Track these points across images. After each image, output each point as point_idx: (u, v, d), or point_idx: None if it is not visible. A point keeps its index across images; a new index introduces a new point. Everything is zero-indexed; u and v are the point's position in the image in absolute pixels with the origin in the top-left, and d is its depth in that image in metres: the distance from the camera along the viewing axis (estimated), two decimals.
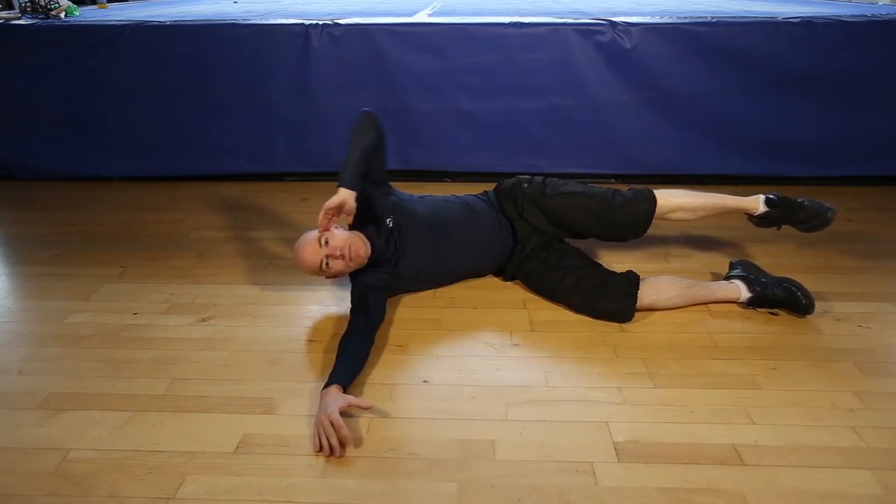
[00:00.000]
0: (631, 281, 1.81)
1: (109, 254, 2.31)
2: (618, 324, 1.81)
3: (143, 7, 4.23)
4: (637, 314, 1.81)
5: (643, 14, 2.99)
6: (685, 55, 2.74)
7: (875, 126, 2.80)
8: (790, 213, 1.94)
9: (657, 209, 1.88)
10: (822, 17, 2.72)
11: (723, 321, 1.82)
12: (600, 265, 1.92)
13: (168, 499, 1.22)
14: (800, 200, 1.94)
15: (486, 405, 1.48)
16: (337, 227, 1.75)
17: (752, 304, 1.86)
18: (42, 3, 3.22)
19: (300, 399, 1.51)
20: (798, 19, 2.70)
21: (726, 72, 2.75)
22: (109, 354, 1.69)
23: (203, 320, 1.86)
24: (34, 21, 3.04)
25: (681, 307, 1.86)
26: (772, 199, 1.95)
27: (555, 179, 2.00)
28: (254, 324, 1.84)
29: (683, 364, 1.63)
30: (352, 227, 1.83)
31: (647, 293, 1.81)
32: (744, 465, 1.29)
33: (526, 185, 1.98)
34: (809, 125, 2.82)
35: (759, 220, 1.99)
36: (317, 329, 1.82)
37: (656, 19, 2.77)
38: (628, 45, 2.73)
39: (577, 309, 1.86)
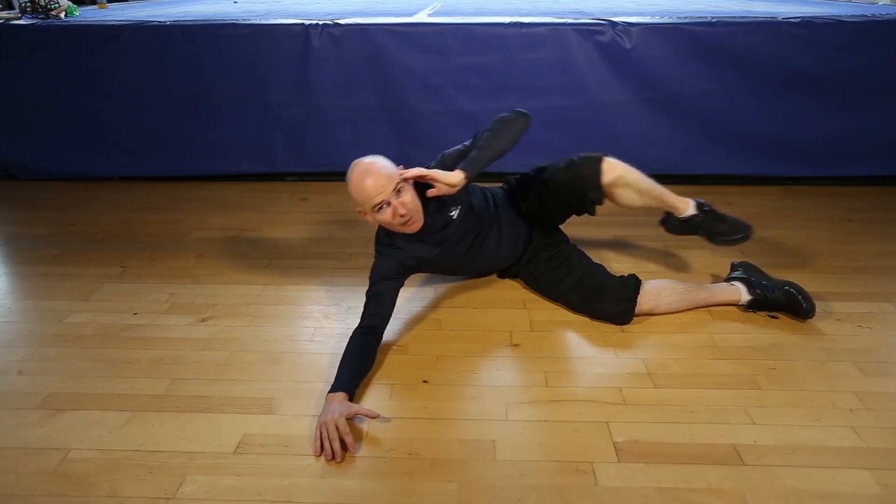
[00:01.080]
0: (632, 284, 1.81)
1: (109, 254, 2.31)
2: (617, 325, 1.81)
3: (143, 7, 4.23)
4: (637, 316, 1.81)
5: (643, 14, 2.99)
6: (685, 55, 2.74)
7: (875, 126, 2.80)
8: (714, 224, 1.87)
9: (606, 170, 1.75)
10: (822, 17, 2.72)
11: (723, 321, 1.82)
12: (603, 267, 1.91)
13: (168, 499, 1.22)
14: (725, 215, 1.88)
15: (486, 405, 1.48)
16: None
17: (752, 306, 1.85)
18: (42, 3, 3.22)
19: (300, 399, 1.51)
20: (798, 19, 2.70)
21: (726, 72, 2.75)
22: (109, 354, 1.69)
23: (203, 320, 1.86)
24: (34, 21, 3.04)
25: (681, 311, 1.85)
26: (702, 204, 1.89)
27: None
28: (254, 324, 1.84)
29: (683, 364, 1.63)
30: (421, 196, 1.69)
31: (647, 298, 1.80)
32: (744, 465, 1.29)
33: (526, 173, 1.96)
34: (809, 125, 2.82)
35: (680, 224, 1.91)
36: (317, 329, 1.82)
37: (656, 19, 2.77)
38: (628, 45, 2.73)
39: (577, 309, 1.86)
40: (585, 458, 1.31)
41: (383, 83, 2.87)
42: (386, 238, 1.77)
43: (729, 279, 1.94)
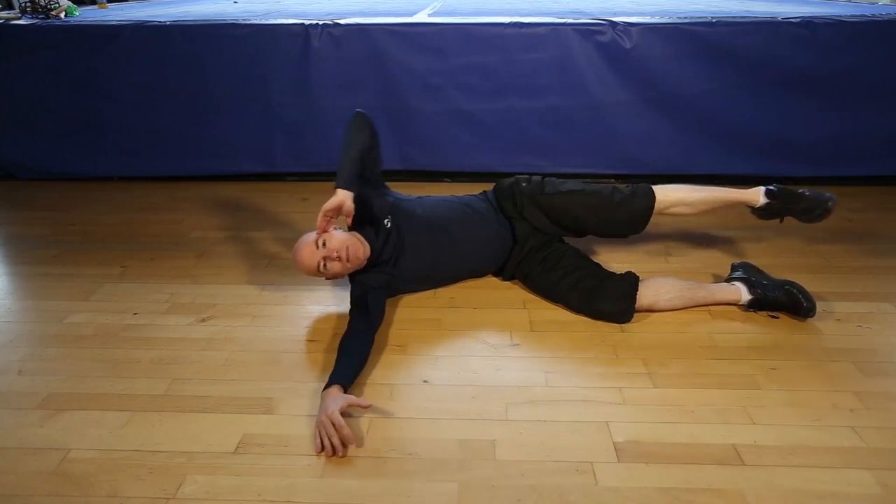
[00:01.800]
0: (630, 282, 1.81)
1: (109, 254, 2.31)
2: (617, 324, 1.81)
3: (143, 7, 4.23)
4: (637, 314, 1.81)
5: (643, 14, 2.99)
6: (685, 55, 2.74)
7: (875, 126, 2.80)
8: (791, 204, 1.94)
9: (656, 204, 1.89)
10: (822, 17, 2.72)
11: (723, 321, 1.82)
12: (600, 265, 1.92)
13: (168, 499, 1.22)
14: (800, 191, 1.94)
15: (486, 405, 1.48)
16: (336, 229, 1.75)
17: (752, 306, 1.85)
18: (42, 3, 3.22)
19: (300, 399, 1.51)
20: (798, 19, 2.70)
21: (726, 72, 2.75)
22: (109, 354, 1.69)
23: (203, 320, 1.86)
24: (34, 21, 3.04)
25: (680, 309, 1.85)
26: (772, 190, 1.95)
27: (553, 179, 2.00)
28: (254, 324, 1.84)
29: (683, 364, 1.63)
30: (350, 229, 1.83)
31: (646, 294, 1.81)
32: (744, 465, 1.29)
33: (525, 185, 1.98)
34: (809, 125, 2.82)
35: (761, 212, 1.99)
36: (317, 329, 1.82)
37: (656, 19, 2.77)
38: (628, 45, 2.73)
39: (576, 309, 1.86)
40: (585, 458, 1.31)
41: (383, 83, 2.87)
42: (356, 275, 1.83)
43: (729, 279, 1.94)
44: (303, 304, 1.95)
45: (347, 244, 1.72)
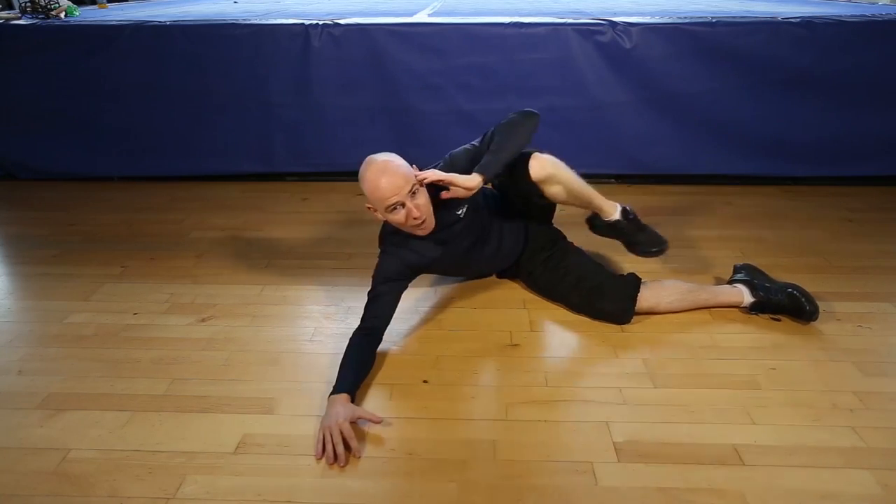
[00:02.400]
0: (632, 283, 1.81)
1: (109, 254, 2.31)
2: (618, 325, 1.81)
3: (143, 7, 4.23)
4: (639, 314, 1.81)
5: (643, 14, 2.99)
6: (685, 55, 2.74)
7: (875, 126, 2.80)
8: (635, 234, 1.86)
9: (537, 164, 1.69)
10: (822, 17, 2.72)
11: (723, 322, 1.82)
12: (602, 266, 1.92)
13: (168, 499, 1.22)
14: (646, 227, 1.88)
15: (486, 405, 1.48)
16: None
17: (754, 309, 1.84)
18: (42, 3, 3.22)
19: (300, 399, 1.51)
20: (798, 19, 2.70)
21: (726, 72, 2.75)
22: (109, 354, 1.69)
23: (203, 320, 1.86)
24: (34, 21, 3.04)
25: (682, 311, 1.85)
26: (627, 211, 1.86)
27: None
28: (254, 324, 1.84)
29: (683, 364, 1.63)
30: (433, 196, 1.67)
31: (648, 296, 1.80)
32: (744, 465, 1.29)
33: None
34: (809, 125, 2.82)
35: (605, 226, 1.87)
36: (317, 329, 1.82)
37: (656, 19, 2.77)
38: (628, 45, 2.73)
39: (577, 308, 1.85)
40: (585, 458, 1.31)
41: (383, 83, 2.87)
42: (392, 236, 1.76)
43: (731, 281, 1.94)
44: (303, 304, 1.95)
45: (428, 213, 1.62)
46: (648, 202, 2.76)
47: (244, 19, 2.94)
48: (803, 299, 1.78)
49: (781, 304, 1.81)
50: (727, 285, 1.92)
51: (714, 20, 2.74)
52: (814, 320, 1.77)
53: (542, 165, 1.68)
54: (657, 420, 1.42)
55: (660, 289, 1.83)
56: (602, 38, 2.73)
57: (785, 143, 2.86)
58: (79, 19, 3.22)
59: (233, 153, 3.02)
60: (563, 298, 1.89)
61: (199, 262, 2.25)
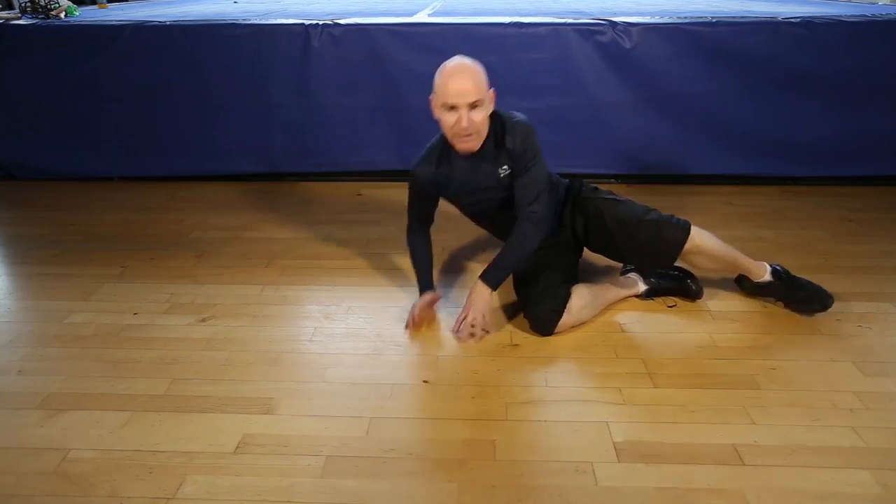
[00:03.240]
0: (562, 299, 1.74)
1: (109, 254, 2.31)
2: (618, 324, 1.81)
3: (143, 7, 4.23)
4: (638, 314, 1.82)
5: (643, 14, 2.99)
6: (685, 55, 2.74)
7: (875, 126, 2.80)
8: (790, 292, 1.84)
9: (688, 241, 1.71)
10: (822, 17, 2.72)
11: (723, 321, 1.82)
12: (566, 268, 1.87)
13: (168, 499, 1.22)
14: (803, 281, 1.84)
15: (486, 405, 1.48)
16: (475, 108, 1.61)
17: (648, 295, 1.92)
18: (42, 3, 3.22)
19: (300, 399, 1.51)
20: (798, 19, 2.70)
21: (726, 72, 2.76)
22: (109, 354, 1.69)
23: (203, 320, 1.86)
24: (34, 21, 3.04)
25: (595, 315, 1.82)
26: (778, 271, 1.85)
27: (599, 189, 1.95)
28: (254, 324, 1.84)
29: (683, 364, 1.63)
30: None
31: (569, 319, 1.74)
32: (744, 465, 1.29)
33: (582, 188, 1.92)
34: (809, 125, 2.82)
35: (758, 288, 1.89)
36: (317, 329, 1.82)
37: (656, 19, 2.77)
38: (628, 45, 2.74)
39: (520, 307, 1.86)
40: (585, 458, 1.31)
41: (383, 83, 2.87)
42: (438, 144, 1.78)
43: (624, 272, 1.97)
44: (303, 304, 1.95)
45: (481, 132, 1.65)
46: (648, 202, 2.75)
47: (244, 19, 2.94)
48: (688, 280, 1.89)
49: (670, 287, 1.90)
50: (623, 277, 1.95)
51: (714, 20, 2.74)
52: (700, 298, 1.89)
53: (694, 238, 1.73)
54: (657, 420, 1.42)
55: (580, 306, 1.76)
56: (602, 38, 2.73)
57: (785, 143, 2.86)
58: (79, 19, 3.22)
59: (233, 153, 3.03)
60: (517, 290, 1.89)
61: (199, 262, 2.25)
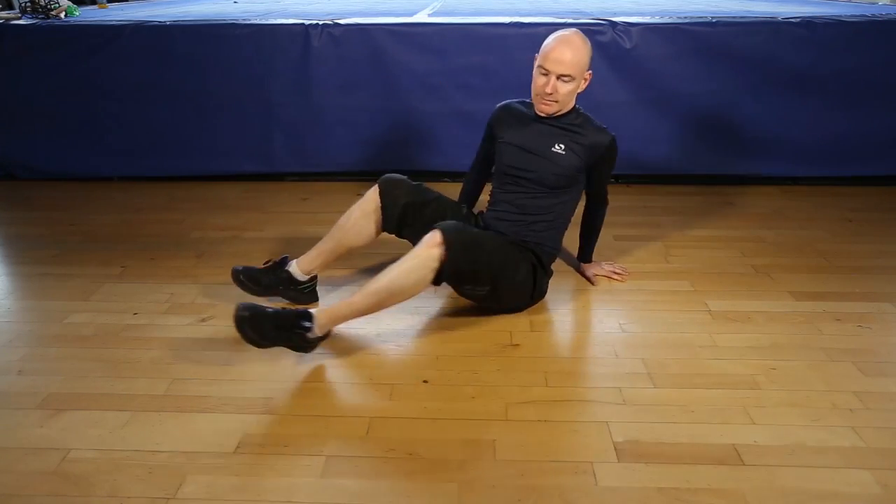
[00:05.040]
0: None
1: (109, 254, 2.31)
2: (618, 324, 1.81)
3: (143, 7, 4.23)
4: (638, 314, 1.83)
5: (643, 14, 2.99)
6: (685, 55, 2.74)
7: (875, 126, 2.80)
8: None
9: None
10: (822, 17, 2.72)
11: (723, 321, 1.82)
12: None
13: (168, 499, 1.22)
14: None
15: (486, 405, 1.48)
16: (564, 79, 1.74)
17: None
18: (42, 3, 3.22)
19: (300, 399, 1.51)
20: (798, 19, 2.70)
21: (726, 72, 2.76)
22: (109, 354, 1.69)
23: (203, 320, 1.86)
24: (34, 21, 3.04)
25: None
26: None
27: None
28: None
29: (683, 364, 1.63)
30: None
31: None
32: (744, 465, 1.29)
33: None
34: (809, 125, 2.82)
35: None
36: None
37: (656, 19, 2.77)
38: (628, 45, 2.74)
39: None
40: (585, 458, 1.31)
41: (383, 83, 2.87)
42: (527, 100, 1.91)
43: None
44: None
45: (563, 102, 1.78)
46: (648, 202, 2.76)
47: (244, 19, 2.94)
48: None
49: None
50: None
51: (714, 20, 2.74)
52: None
53: None
54: (657, 420, 1.42)
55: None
56: (602, 38, 2.73)
57: (785, 143, 2.86)
58: (79, 19, 3.22)
59: (233, 153, 3.02)
60: None
61: (199, 262, 2.25)
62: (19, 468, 1.30)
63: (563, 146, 1.83)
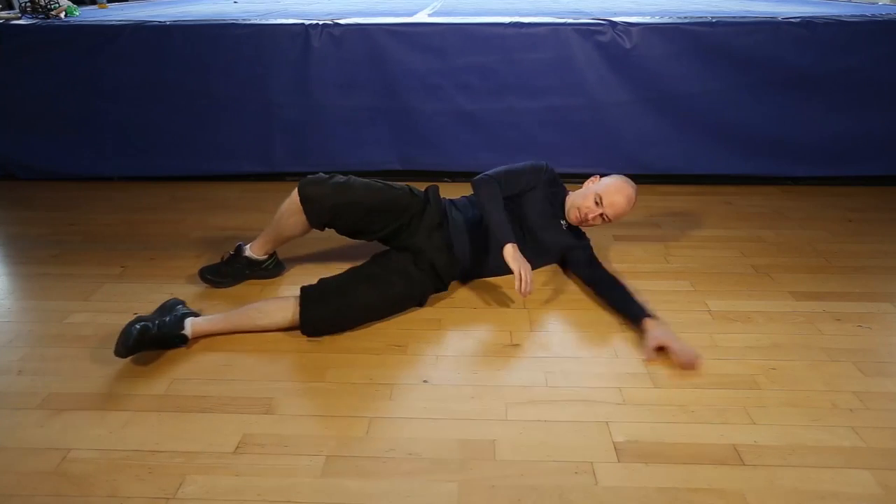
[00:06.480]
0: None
1: (109, 254, 2.31)
2: (618, 324, 1.81)
3: (143, 7, 4.23)
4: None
5: (643, 14, 2.99)
6: (685, 55, 2.74)
7: (875, 126, 2.80)
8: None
9: None
10: (822, 17, 2.72)
11: (723, 321, 1.82)
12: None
13: (168, 499, 1.22)
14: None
15: (486, 405, 1.48)
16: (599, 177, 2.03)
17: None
18: (42, 3, 3.22)
19: (300, 399, 1.51)
20: (798, 19, 2.70)
21: (726, 72, 2.76)
22: (110, 354, 1.69)
23: None
24: (34, 21, 3.04)
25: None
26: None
27: None
28: None
29: None
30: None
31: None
32: (744, 465, 1.29)
33: None
34: (809, 125, 2.82)
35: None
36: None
37: (656, 19, 2.77)
38: (628, 45, 2.74)
39: None
40: (585, 458, 1.31)
41: (383, 83, 2.87)
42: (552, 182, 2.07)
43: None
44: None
45: (616, 213, 1.96)
46: (648, 202, 2.76)
47: (244, 19, 2.94)
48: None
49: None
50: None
51: (714, 20, 2.74)
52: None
53: None
54: (657, 420, 1.42)
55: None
56: (602, 38, 2.73)
57: (785, 143, 2.86)
58: (79, 19, 3.22)
59: (233, 153, 3.02)
60: None
61: (199, 262, 2.25)
62: (19, 468, 1.30)
63: (566, 228, 2.06)
